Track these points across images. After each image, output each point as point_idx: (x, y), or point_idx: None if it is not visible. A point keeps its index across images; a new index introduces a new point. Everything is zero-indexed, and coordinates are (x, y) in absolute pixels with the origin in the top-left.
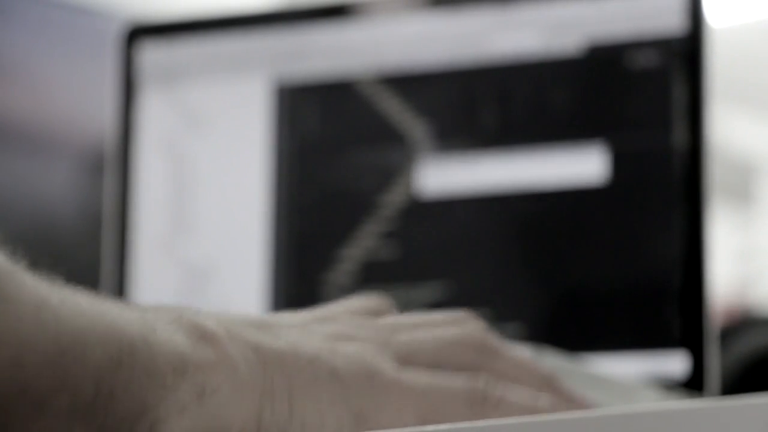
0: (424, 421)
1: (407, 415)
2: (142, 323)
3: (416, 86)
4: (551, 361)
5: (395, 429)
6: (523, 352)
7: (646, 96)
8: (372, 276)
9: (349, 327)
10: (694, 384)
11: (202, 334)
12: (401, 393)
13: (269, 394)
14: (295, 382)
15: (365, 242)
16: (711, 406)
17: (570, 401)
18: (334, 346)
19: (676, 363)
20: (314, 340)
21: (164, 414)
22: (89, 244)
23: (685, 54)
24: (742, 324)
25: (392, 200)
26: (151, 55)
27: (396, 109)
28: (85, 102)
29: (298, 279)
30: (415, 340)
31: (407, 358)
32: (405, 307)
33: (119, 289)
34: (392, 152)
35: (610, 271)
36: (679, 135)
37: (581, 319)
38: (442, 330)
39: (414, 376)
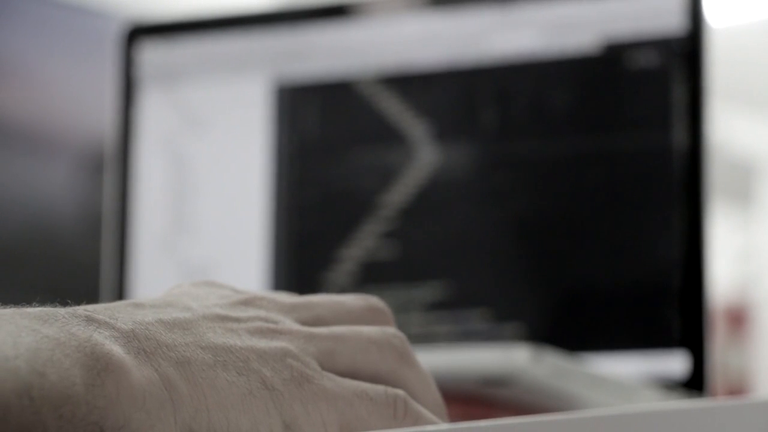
0: (346, 430)
1: (333, 424)
2: (29, 370)
3: (416, 86)
4: (551, 361)
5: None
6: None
7: (647, 96)
8: (372, 276)
9: (272, 314)
10: (694, 384)
11: (105, 365)
12: (331, 401)
13: (203, 409)
14: (227, 395)
15: (365, 242)
16: (711, 406)
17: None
18: (260, 345)
19: (676, 363)
20: (240, 338)
21: None
22: (89, 244)
23: (685, 54)
24: None
25: (392, 200)
26: (151, 55)
27: (396, 109)
28: (85, 102)
29: (298, 279)
30: (338, 336)
31: (330, 354)
32: (405, 307)
33: (119, 289)
34: (392, 152)
35: (611, 271)
36: (679, 135)
37: (581, 319)
38: (363, 329)
39: (339, 384)
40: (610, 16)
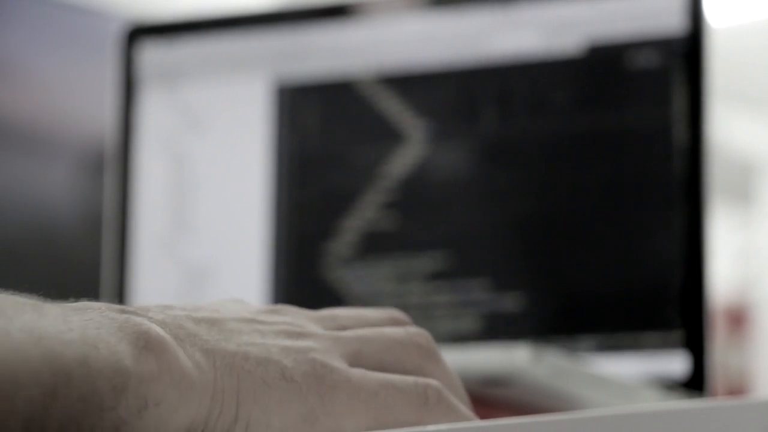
0: (377, 421)
1: (360, 414)
2: (82, 342)
3: (416, 86)
4: (551, 361)
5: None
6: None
7: (647, 96)
8: (372, 246)
9: (298, 320)
10: (694, 384)
11: (147, 343)
12: (352, 392)
13: (219, 397)
14: (243, 384)
15: (365, 213)
16: (711, 406)
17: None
18: (285, 343)
19: (676, 363)
20: (265, 337)
21: None
22: (89, 244)
23: (685, 54)
24: None
25: (392, 171)
26: (151, 55)
27: (396, 109)
28: (85, 102)
29: (298, 279)
30: (363, 337)
31: (356, 355)
32: (405, 277)
33: (119, 289)
34: (392, 152)
35: (611, 271)
36: (679, 135)
37: (582, 319)
38: (387, 330)
39: (364, 375)
40: (609, 16)
